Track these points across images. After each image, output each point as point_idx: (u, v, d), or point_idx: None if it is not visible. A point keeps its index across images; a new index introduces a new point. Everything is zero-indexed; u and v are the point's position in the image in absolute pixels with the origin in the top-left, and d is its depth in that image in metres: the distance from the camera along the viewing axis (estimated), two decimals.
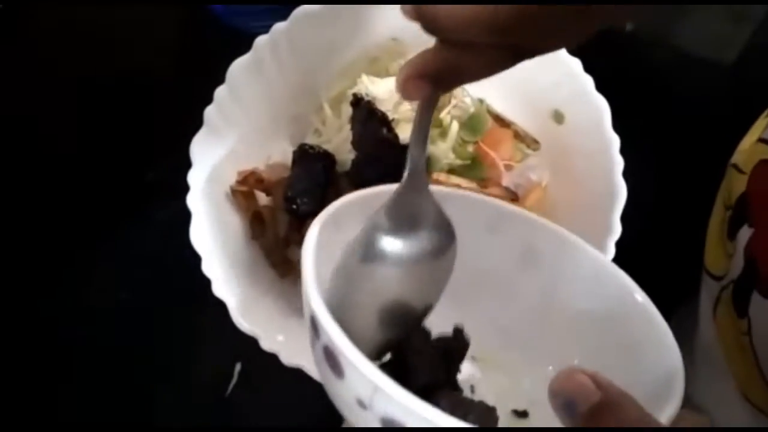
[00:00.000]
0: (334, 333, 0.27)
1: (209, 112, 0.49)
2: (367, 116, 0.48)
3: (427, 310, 0.35)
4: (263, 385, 0.52)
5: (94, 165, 0.59)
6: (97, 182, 0.58)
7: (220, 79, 0.49)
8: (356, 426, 0.28)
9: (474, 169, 0.51)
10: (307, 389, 0.44)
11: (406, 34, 0.54)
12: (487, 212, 0.39)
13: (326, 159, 0.50)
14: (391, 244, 0.33)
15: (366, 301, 0.33)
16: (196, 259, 0.45)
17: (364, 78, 0.51)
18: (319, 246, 0.31)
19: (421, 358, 0.33)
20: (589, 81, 0.51)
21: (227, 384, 0.52)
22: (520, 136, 0.53)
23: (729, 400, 0.49)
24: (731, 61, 0.64)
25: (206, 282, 0.45)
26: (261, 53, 0.50)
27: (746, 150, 0.51)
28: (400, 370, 0.32)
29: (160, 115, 0.61)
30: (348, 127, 0.51)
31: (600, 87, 0.51)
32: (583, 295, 0.37)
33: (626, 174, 0.49)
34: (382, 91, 0.50)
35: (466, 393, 0.37)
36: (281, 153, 0.53)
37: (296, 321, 0.48)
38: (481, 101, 0.53)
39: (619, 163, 0.49)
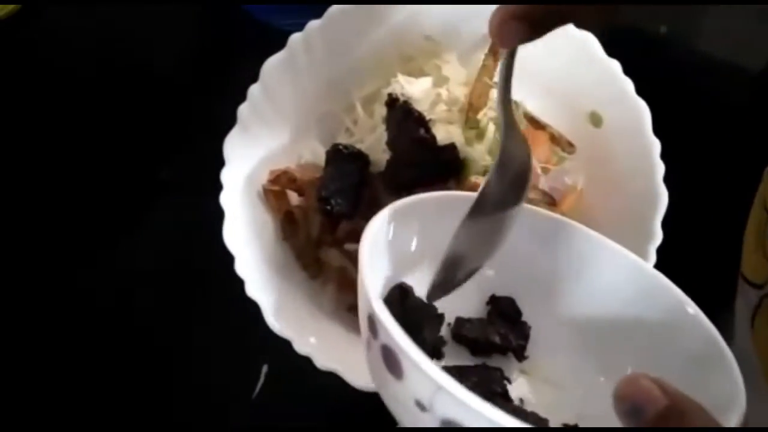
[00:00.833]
0: (395, 332, 0.26)
1: (242, 110, 0.49)
2: (403, 117, 0.47)
3: (473, 271, 0.35)
4: (290, 387, 0.51)
5: (119, 162, 0.58)
6: (117, 178, 0.58)
7: (240, 77, 0.49)
8: (412, 428, 0.27)
9: None
10: (334, 392, 0.44)
11: (440, 33, 0.53)
12: (537, 222, 0.38)
13: (360, 159, 0.49)
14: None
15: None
16: (221, 257, 0.45)
17: (400, 78, 0.50)
18: (374, 245, 0.31)
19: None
20: (628, 83, 0.50)
21: (254, 385, 0.51)
22: (555, 139, 0.52)
23: (765, 414, 0.48)
24: None
25: (233, 282, 0.44)
26: (295, 51, 0.50)
27: None
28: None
29: (178, 114, 0.60)
30: (382, 127, 0.50)
31: (636, 90, 0.51)
32: (632, 306, 0.37)
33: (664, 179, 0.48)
34: (418, 91, 0.50)
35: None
36: (311, 152, 0.53)
37: (327, 323, 0.48)
38: (516, 104, 0.52)
39: (661, 167, 0.48)
